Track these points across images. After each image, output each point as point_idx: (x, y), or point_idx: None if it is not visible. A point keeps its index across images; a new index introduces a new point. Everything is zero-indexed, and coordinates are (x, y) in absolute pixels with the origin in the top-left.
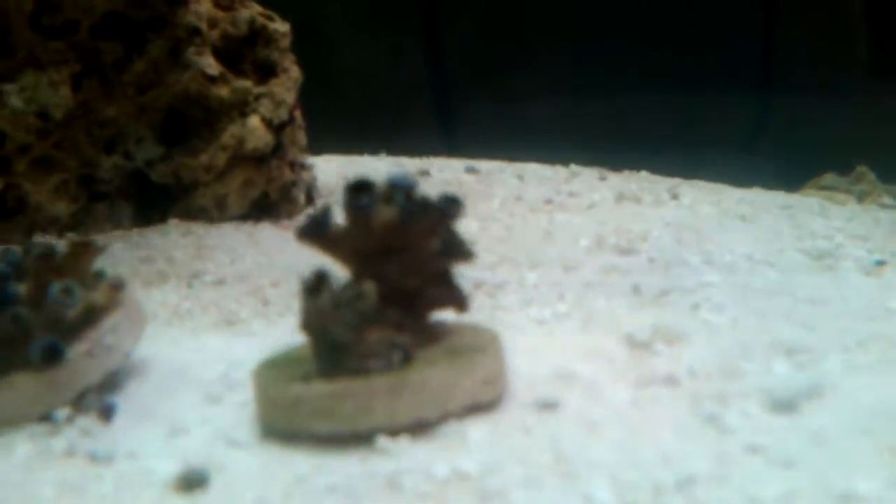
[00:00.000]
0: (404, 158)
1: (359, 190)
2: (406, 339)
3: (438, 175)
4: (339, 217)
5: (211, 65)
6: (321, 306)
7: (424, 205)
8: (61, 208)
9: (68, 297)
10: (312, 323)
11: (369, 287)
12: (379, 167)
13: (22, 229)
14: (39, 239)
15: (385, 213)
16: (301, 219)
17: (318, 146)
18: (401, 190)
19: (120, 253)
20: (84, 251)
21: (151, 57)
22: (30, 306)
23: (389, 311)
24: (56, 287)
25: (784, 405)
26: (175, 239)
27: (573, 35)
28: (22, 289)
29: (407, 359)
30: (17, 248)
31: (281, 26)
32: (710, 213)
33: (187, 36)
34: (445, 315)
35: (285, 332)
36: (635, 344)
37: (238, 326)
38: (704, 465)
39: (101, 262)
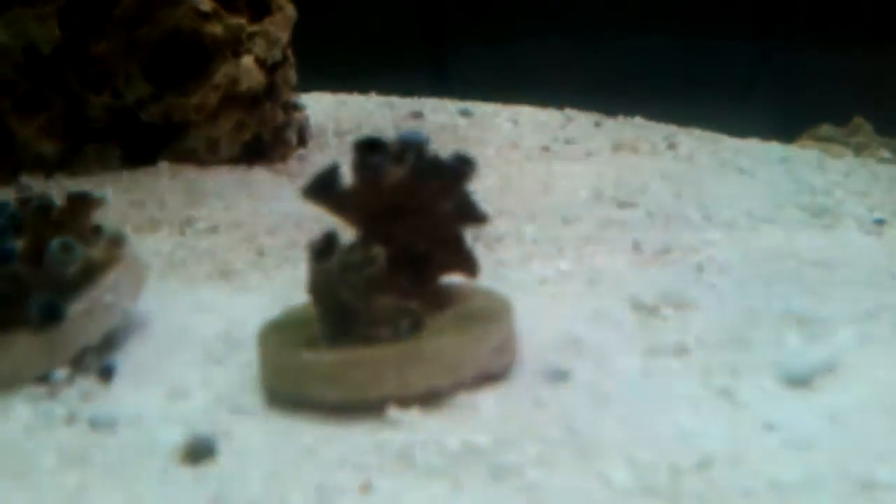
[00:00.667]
0: (395, 98)
1: (369, 148)
2: (416, 305)
3: (433, 118)
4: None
5: (203, 1)
6: (329, 270)
7: (436, 164)
8: (49, 148)
9: (68, 254)
10: (320, 286)
11: (378, 251)
12: (369, 108)
13: (9, 169)
14: (26, 180)
15: (396, 173)
16: (294, 162)
17: (307, 83)
18: (412, 148)
19: (110, 196)
20: (83, 205)
21: None
22: (27, 262)
23: (398, 275)
24: (56, 244)
25: (798, 380)
26: (166, 182)
27: None
28: (19, 244)
29: (417, 326)
30: (12, 201)
31: None
32: (708, 164)
33: None
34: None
35: (282, 285)
36: (641, 307)
37: (234, 278)
38: (720, 444)
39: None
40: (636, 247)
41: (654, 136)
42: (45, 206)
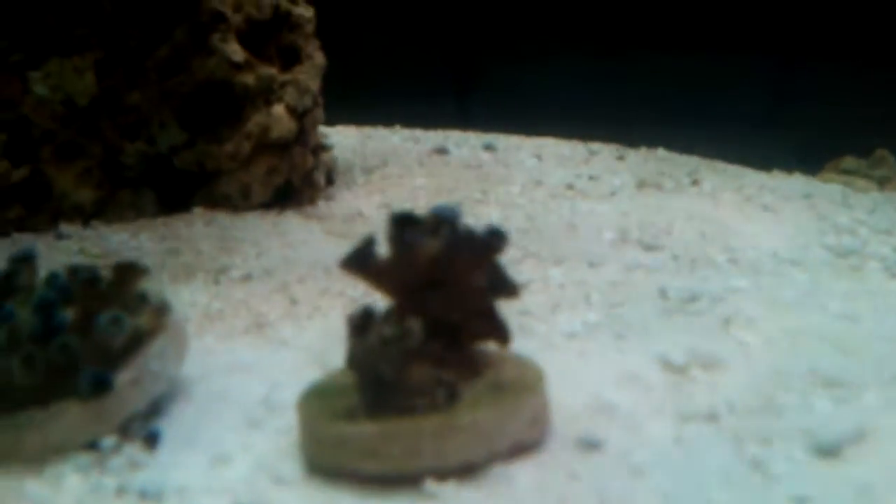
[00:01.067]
0: (419, 131)
1: (404, 222)
2: (452, 376)
3: (456, 152)
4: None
5: (236, 51)
6: (368, 345)
7: (470, 238)
8: (86, 195)
9: (117, 327)
10: (359, 361)
11: (415, 324)
12: (395, 142)
13: (48, 217)
14: (65, 228)
15: (430, 247)
16: (322, 203)
17: (332, 115)
18: (446, 222)
19: (146, 244)
20: (129, 274)
21: (175, 42)
22: (77, 333)
23: (432, 344)
24: (105, 317)
25: (828, 450)
26: (200, 228)
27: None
28: (70, 315)
29: (452, 397)
30: (62, 273)
31: (305, 11)
32: (732, 201)
33: (211, 21)
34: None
35: (316, 337)
36: (671, 368)
37: (268, 330)
38: None
39: (128, 253)
40: (662, 294)
41: (677, 171)
42: (93, 278)
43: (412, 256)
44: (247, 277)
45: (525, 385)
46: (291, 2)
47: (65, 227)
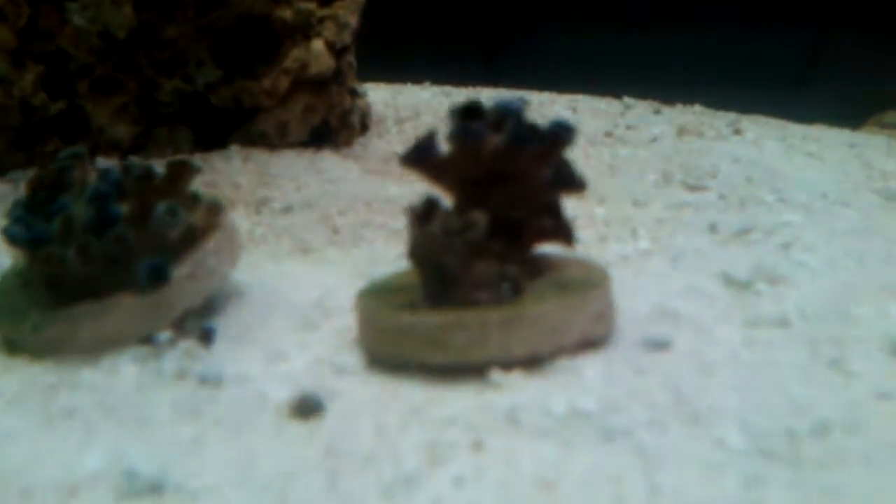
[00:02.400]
0: (450, 87)
1: (468, 114)
2: (515, 270)
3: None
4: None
5: None
6: (431, 234)
7: (535, 131)
8: (123, 131)
9: (173, 217)
10: (421, 251)
11: (479, 216)
12: (426, 96)
13: (85, 151)
14: (102, 162)
15: (494, 140)
16: (358, 146)
17: (360, 73)
18: (511, 115)
19: None
20: (181, 172)
21: None
22: (132, 226)
23: (495, 241)
24: (162, 207)
25: None
26: (237, 164)
27: None
28: (124, 208)
29: (517, 291)
30: (116, 168)
31: None
32: (776, 149)
33: None
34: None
35: (362, 261)
36: (734, 283)
37: (313, 254)
38: (836, 411)
39: None
40: (713, 228)
41: (717, 121)
42: (146, 173)
43: (475, 150)
44: (287, 209)
45: (590, 282)
46: None
47: (102, 161)
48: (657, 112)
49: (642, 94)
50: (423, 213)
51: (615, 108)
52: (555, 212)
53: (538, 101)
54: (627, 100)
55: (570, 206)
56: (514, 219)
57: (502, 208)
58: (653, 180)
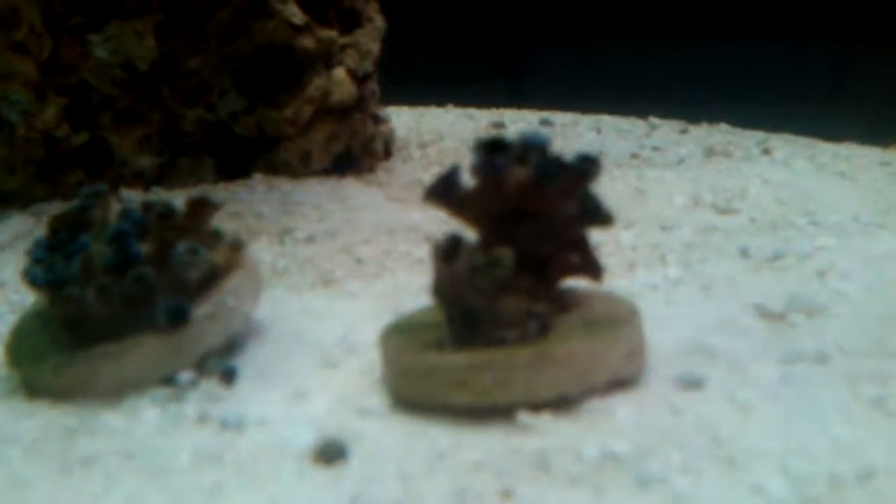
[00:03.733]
0: (473, 109)
1: (492, 149)
2: (543, 308)
3: (513, 128)
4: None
5: (295, 14)
6: (456, 273)
7: (560, 165)
8: (146, 161)
9: (194, 257)
10: (445, 290)
11: (505, 253)
12: (449, 119)
13: (109, 183)
14: (127, 193)
15: (519, 174)
16: (382, 173)
17: (383, 97)
18: (535, 149)
19: None
20: (202, 209)
21: (235, 5)
22: (152, 266)
23: (522, 278)
24: (182, 247)
25: None
26: (261, 194)
27: None
28: (145, 248)
29: (544, 329)
30: (136, 206)
31: None
32: (807, 169)
33: None
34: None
35: (385, 292)
36: (769, 315)
37: (336, 286)
38: (881, 455)
39: None
40: (744, 253)
41: (745, 141)
42: (167, 212)
43: (499, 184)
44: (310, 239)
45: (619, 319)
46: None
47: (126, 193)
48: (683, 132)
49: (668, 113)
50: (448, 251)
51: (640, 129)
52: (581, 246)
53: (562, 121)
54: (653, 119)
55: (595, 232)
56: (541, 254)
57: (528, 243)
58: (681, 203)
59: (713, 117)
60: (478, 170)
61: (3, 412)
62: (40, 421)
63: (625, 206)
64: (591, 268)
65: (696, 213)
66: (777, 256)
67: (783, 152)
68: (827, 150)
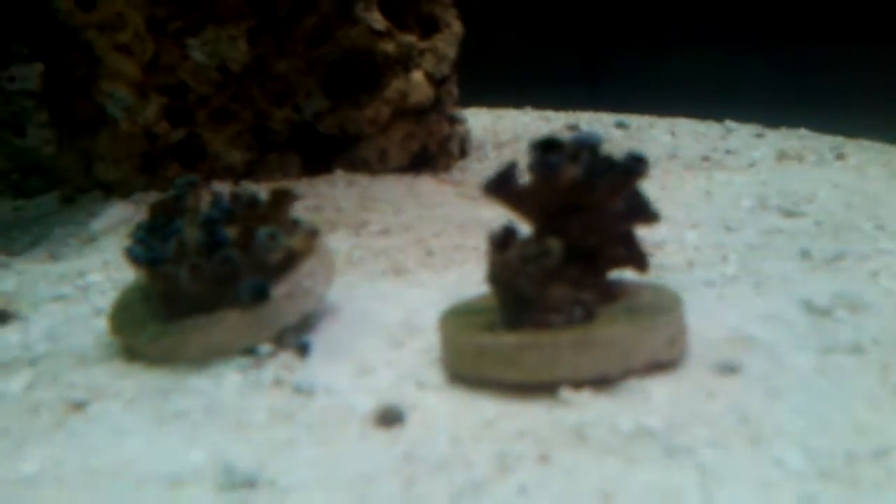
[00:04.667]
0: (550, 112)
1: (546, 148)
2: (588, 295)
3: (587, 129)
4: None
5: (378, 20)
6: (509, 260)
7: (610, 164)
8: (237, 157)
9: (274, 242)
10: (499, 276)
11: (554, 244)
12: (525, 121)
13: (202, 176)
14: (217, 186)
15: (571, 172)
16: (456, 171)
17: (465, 99)
18: (587, 148)
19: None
20: (283, 199)
21: (322, 12)
22: (238, 249)
23: (570, 268)
24: (263, 232)
25: None
26: (341, 189)
27: None
28: (231, 233)
29: (589, 315)
30: (226, 195)
31: None
32: (879, 174)
33: None
34: (625, 274)
35: (452, 282)
36: (814, 310)
37: (406, 275)
38: None
39: None
40: (805, 254)
41: (820, 146)
42: (252, 201)
43: (553, 180)
44: (385, 231)
45: (662, 307)
46: None
47: (217, 186)
48: (759, 136)
49: (747, 117)
50: (502, 241)
51: (716, 132)
52: (628, 240)
53: (637, 124)
54: (729, 123)
55: (662, 230)
56: (590, 246)
57: (577, 236)
58: (748, 206)
59: (797, 122)
60: (533, 167)
61: (106, 373)
62: (137, 381)
63: (693, 207)
64: (637, 260)
65: (762, 215)
66: (837, 258)
67: (857, 158)
68: None
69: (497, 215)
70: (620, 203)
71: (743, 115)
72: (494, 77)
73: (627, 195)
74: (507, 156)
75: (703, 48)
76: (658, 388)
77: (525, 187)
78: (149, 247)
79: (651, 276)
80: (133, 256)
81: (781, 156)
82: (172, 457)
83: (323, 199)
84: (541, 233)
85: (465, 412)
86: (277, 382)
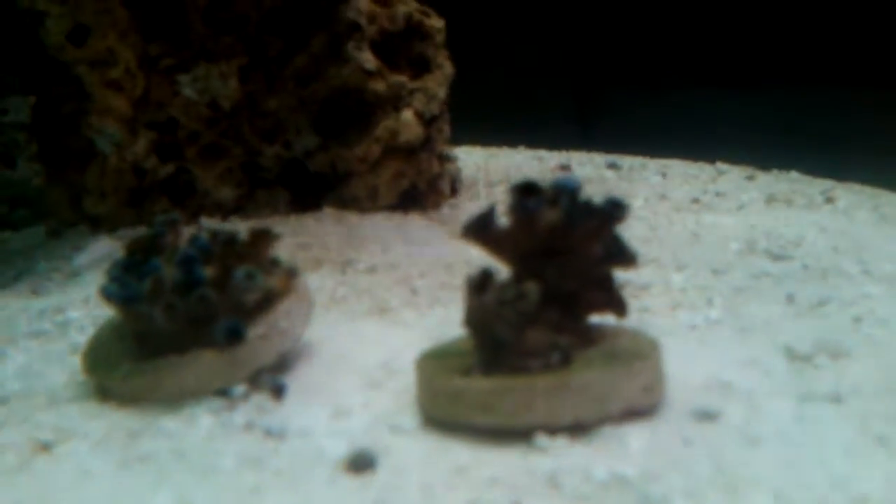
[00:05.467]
0: (543, 151)
1: (525, 191)
2: (566, 340)
3: (580, 170)
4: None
5: (369, 59)
6: (485, 304)
7: (589, 208)
8: (226, 193)
9: (251, 282)
10: (476, 319)
11: (532, 287)
12: (518, 160)
13: (191, 212)
14: (206, 222)
15: (550, 215)
16: (446, 209)
17: (459, 137)
18: (566, 192)
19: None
20: (262, 238)
21: (313, 51)
22: (215, 289)
23: (549, 312)
24: (241, 272)
25: None
26: (329, 226)
27: (718, 24)
28: (209, 272)
29: (566, 360)
30: (204, 234)
31: (436, 22)
32: (868, 219)
33: (347, 31)
34: (604, 319)
35: (435, 322)
36: (795, 356)
37: (390, 314)
38: (876, 489)
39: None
40: (790, 299)
41: (810, 189)
42: (231, 239)
43: (531, 224)
44: (371, 269)
45: (639, 353)
46: (423, 13)
47: (205, 222)
48: (750, 178)
49: (739, 159)
50: (479, 283)
51: (707, 174)
52: (607, 284)
53: (629, 165)
54: (720, 165)
55: (648, 272)
56: (568, 290)
57: (556, 280)
58: (736, 248)
59: (788, 165)
60: (512, 210)
61: (77, 413)
62: (108, 421)
63: (679, 249)
64: (616, 304)
65: (749, 258)
66: (822, 303)
67: (846, 201)
68: (892, 201)
69: (486, 258)
70: (599, 247)
71: (735, 157)
72: (489, 116)
73: (606, 239)
74: (498, 194)
75: (698, 89)
76: (634, 436)
77: (504, 230)
78: (123, 284)
79: (634, 319)
80: (107, 294)
81: (771, 199)
82: (135, 502)
83: (310, 237)
84: (519, 276)
85: (439, 458)
86: (249, 425)
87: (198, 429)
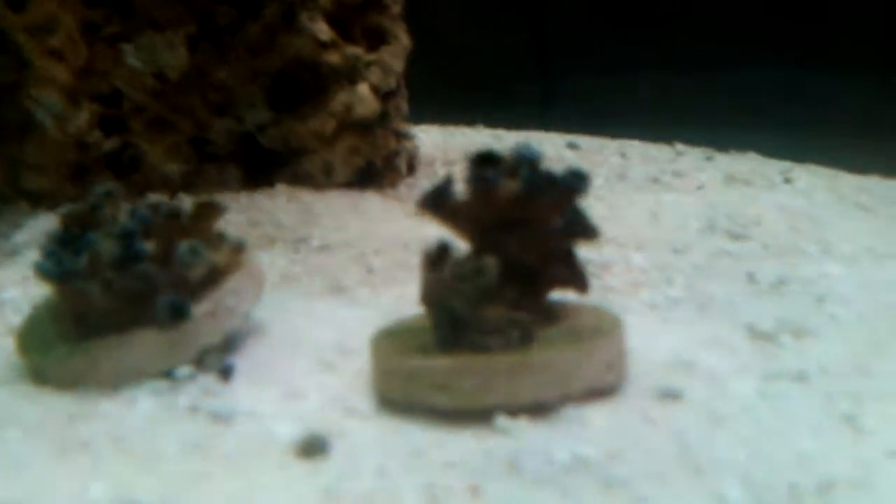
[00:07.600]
0: (502, 131)
1: (484, 162)
2: (526, 317)
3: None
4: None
5: (323, 30)
6: (442, 279)
7: (550, 179)
8: (174, 168)
9: (195, 256)
10: (432, 296)
11: (490, 262)
12: (477, 139)
13: (137, 188)
14: (153, 198)
15: (509, 186)
16: (403, 188)
17: (416, 116)
18: (526, 163)
19: (229, 215)
20: (208, 212)
21: (265, 21)
22: (156, 264)
23: (508, 288)
24: (185, 246)
25: None
26: (282, 203)
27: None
28: (150, 246)
29: (527, 338)
30: (145, 206)
31: None
32: (826, 199)
33: (301, 0)
34: (566, 295)
35: (390, 301)
36: (758, 335)
37: (344, 294)
38: (843, 468)
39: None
40: (751, 278)
41: (768, 170)
42: (174, 212)
43: (490, 195)
44: (325, 247)
45: (601, 330)
46: None
47: (152, 198)
48: (709, 159)
49: (697, 141)
50: (436, 258)
51: (666, 155)
52: (569, 260)
53: (588, 145)
54: (679, 146)
55: (609, 252)
56: (528, 265)
57: (516, 254)
58: (696, 228)
59: (746, 146)
60: (470, 181)
61: (10, 397)
62: (43, 406)
63: (639, 229)
64: (578, 281)
65: (709, 237)
66: (782, 282)
67: (805, 182)
68: (850, 182)
69: (443, 233)
70: (560, 220)
71: (694, 139)
72: (447, 95)
73: (567, 211)
74: (457, 173)
75: (658, 71)
76: (596, 416)
77: (461, 203)
78: (59, 261)
79: (595, 298)
80: (42, 271)
81: (730, 179)
82: (71, 492)
83: (262, 214)
84: (477, 251)
85: (394, 441)
86: (194, 408)
87: (139, 413)
